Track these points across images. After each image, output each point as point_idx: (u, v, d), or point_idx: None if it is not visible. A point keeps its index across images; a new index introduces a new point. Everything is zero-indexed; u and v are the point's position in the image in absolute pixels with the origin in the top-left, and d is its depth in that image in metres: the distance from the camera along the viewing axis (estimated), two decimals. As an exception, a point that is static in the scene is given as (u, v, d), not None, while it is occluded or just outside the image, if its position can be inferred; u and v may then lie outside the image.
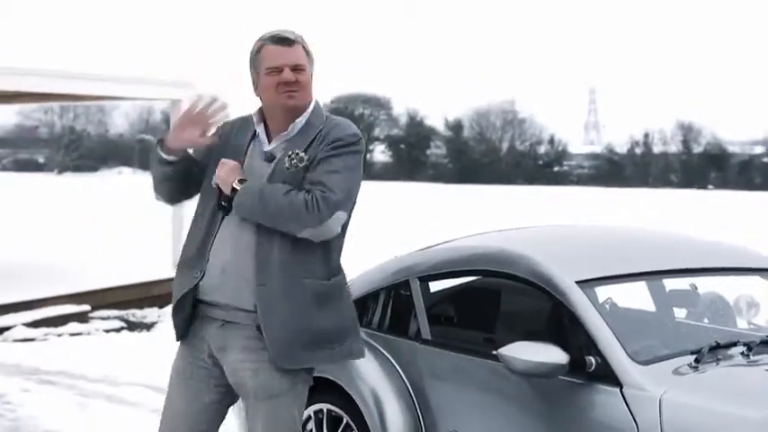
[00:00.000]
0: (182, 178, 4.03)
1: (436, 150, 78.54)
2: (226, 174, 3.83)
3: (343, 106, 78.08)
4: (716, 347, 4.11)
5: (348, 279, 5.53)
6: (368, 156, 79.71)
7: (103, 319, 12.23)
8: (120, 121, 79.73)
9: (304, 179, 3.79)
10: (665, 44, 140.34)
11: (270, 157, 3.90)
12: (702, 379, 3.93)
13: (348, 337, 3.96)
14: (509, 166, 74.31)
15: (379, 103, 79.51)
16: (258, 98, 4.00)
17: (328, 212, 3.72)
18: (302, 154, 3.82)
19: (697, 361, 4.01)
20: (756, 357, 4.12)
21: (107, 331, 11.53)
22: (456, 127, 76.99)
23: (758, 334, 4.62)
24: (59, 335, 11.17)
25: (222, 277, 3.82)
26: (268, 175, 3.85)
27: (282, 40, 3.90)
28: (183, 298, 3.90)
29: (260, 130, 3.97)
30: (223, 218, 3.86)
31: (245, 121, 4.06)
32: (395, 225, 25.79)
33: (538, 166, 76.21)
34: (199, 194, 4.05)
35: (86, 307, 12.25)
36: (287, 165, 3.81)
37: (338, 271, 3.96)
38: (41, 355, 9.69)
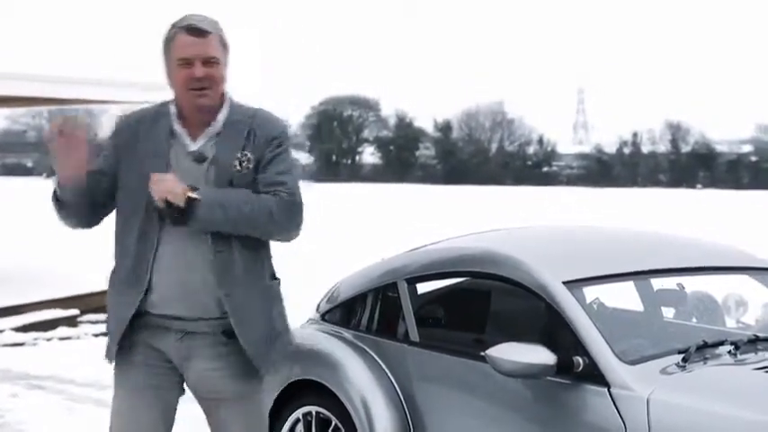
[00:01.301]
0: (92, 195, 3.76)
1: (425, 151, 78.62)
2: (170, 186, 3.54)
3: (332, 108, 78.12)
4: (703, 347, 4.12)
5: (336, 281, 5.56)
6: (357, 157, 79.97)
7: (92, 323, 12.18)
8: (108, 125, 79.45)
9: (254, 181, 3.68)
10: (653, 44, 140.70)
11: (200, 158, 3.70)
12: (690, 378, 3.93)
13: (289, 331, 3.95)
14: (498, 167, 74.41)
15: (368, 105, 79.51)
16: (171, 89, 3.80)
17: (300, 214, 3.72)
18: (249, 155, 3.68)
19: (684, 360, 4.01)
20: (743, 356, 4.13)
21: (96, 335, 11.48)
22: (445, 128, 77.09)
23: (746, 333, 4.62)
24: (48, 339, 11.14)
25: (179, 289, 3.68)
26: (208, 177, 3.67)
27: (195, 30, 3.65)
28: (130, 316, 3.73)
29: (178, 127, 3.74)
30: (161, 229, 3.66)
31: (151, 115, 3.80)
32: (383, 226, 25.78)
33: (527, 166, 76.33)
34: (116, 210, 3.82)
35: (75, 311, 12.22)
36: (238, 167, 3.67)
37: (274, 270, 3.93)
38: (30, 360, 9.67)
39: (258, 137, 3.73)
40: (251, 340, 3.73)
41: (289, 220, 3.69)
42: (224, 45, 3.73)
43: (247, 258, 3.72)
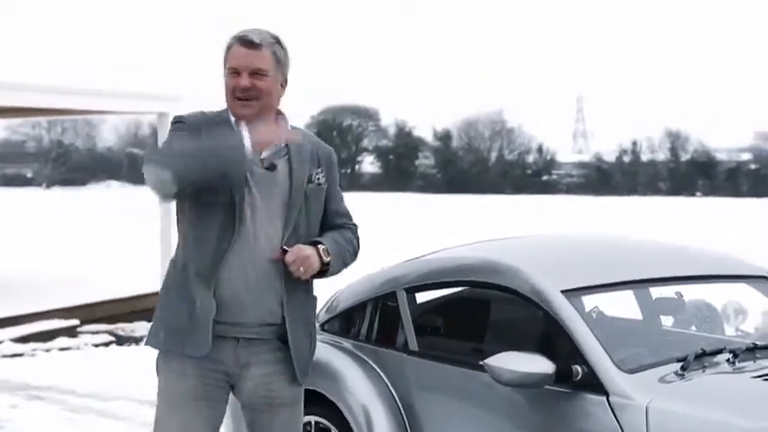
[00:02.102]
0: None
1: (425, 161, 78.58)
2: (312, 260, 3.68)
3: (332, 117, 78.12)
4: (702, 355, 4.12)
5: (336, 290, 5.57)
6: (356, 167, 80.00)
7: (92, 333, 12.20)
8: (108, 135, 79.54)
9: (326, 202, 3.89)
10: (652, 52, 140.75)
11: (272, 166, 3.75)
12: (688, 387, 3.94)
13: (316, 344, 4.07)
14: (497, 176, 74.38)
15: (368, 114, 79.51)
16: None
17: (359, 240, 4.02)
18: (323, 173, 3.86)
19: (683, 369, 4.02)
20: (742, 364, 4.14)
21: (96, 346, 11.51)
22: (444, 137, 77.06)
23: (744, 341, 4.63)
24: (48, 350, 11.15)
25: (249, 295, 3.71)
26: (282, 188, 3.74)
27: (247, 42, 3.72)
28: (209, 320, 3.68)
29: (245, 133, 3.70)
30: (234, 234, 3.67)
31: (214, 120, 3.78)
32: (383, 236, 25.79)
33: (526, 175, 76.28)
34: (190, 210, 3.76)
35: (75, 321, 12.25)
36: (318, 181, 3.83)
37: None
38: (30, 371, 9.68)
39: (321, 157, 3.88)
40: (300, 348, 3.82)
41: (359, 248, 4.01)
42: (278, 60, 3.76)
43: None
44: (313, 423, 4.99)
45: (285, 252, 3.68)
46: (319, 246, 3.74)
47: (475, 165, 76.31)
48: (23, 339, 11.33)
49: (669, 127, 73.66)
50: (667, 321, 5.27)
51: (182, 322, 3.72)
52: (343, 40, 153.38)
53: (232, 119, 3.77)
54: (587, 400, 4.00)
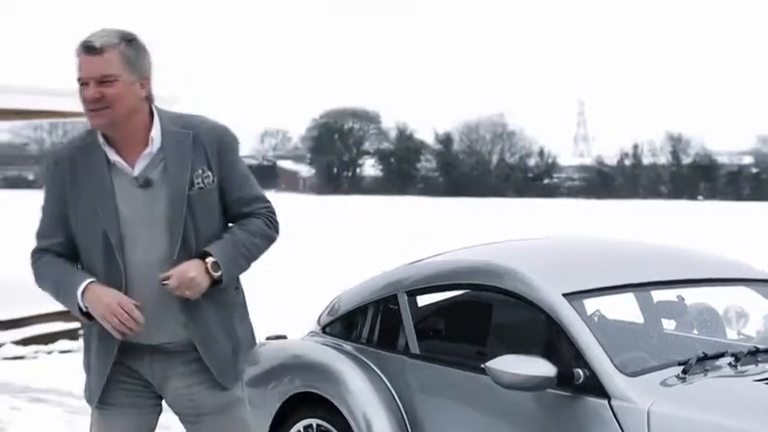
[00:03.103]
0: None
1: (426, 164, 78.73)
2: (198, 280, 3.45)
3: (333, 121, 78.21)
4: (703, 358, 4.12)
5: (337, 294, 5.57)
6: (357, 170, 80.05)
7: (93, 336, 12.18)
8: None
9: (224, 194, 3.60)
10: (653, 56, 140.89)
11: (147, 182, 3.52)
12: (690, 390, 3.94)
13: (254, 338, 3.86)
14: (499, 179, 74.50)
15: (369, 117, 79.63)
16: None
17: (276, 221, 3.71)
18: (208, 170, 3.55)
19: (685, 372, 4.01)
20: (744, 368, 4.13)
21: (97, 348, 11.48)
22: (446, 140, 77.19)
23: (746, 344, 4.62)
24: (49, 352, 11.14)
25: (153, 323, 3.49)
26: (159, 202, 3.50)
27: (89, 48, 3.42)
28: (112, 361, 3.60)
29: (113, 156, 3.53)
30: (121, 274, 3.50)
31: (80, 149, 3.59)
32: (384, 239, 25.78)
33: (527, 178, 76.41)
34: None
35: (76, 324, 12.18)
36: (200, 185, 3.53)
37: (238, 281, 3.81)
38: (31, 373, 9.67)
39: (208, 147, 3.58)
40: (215, 357, 3.63)
41: (277, 231, 3.70)
42: (128, 60, 3.45)
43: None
44: (314, 426, 4.99)
45: (168, 278, 3.47)
46: (207, 259, 3.48)
47: (476, 168, 76.43)
48: (25, 342, 11.31)
49: (670, 130, 73.97)
50: (669, 325, 5.27)
51: (89, 362, 3.71)
52: (345, 43, 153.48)
53: (100, 139, 3.53)
54: (589, 404, 3.99)
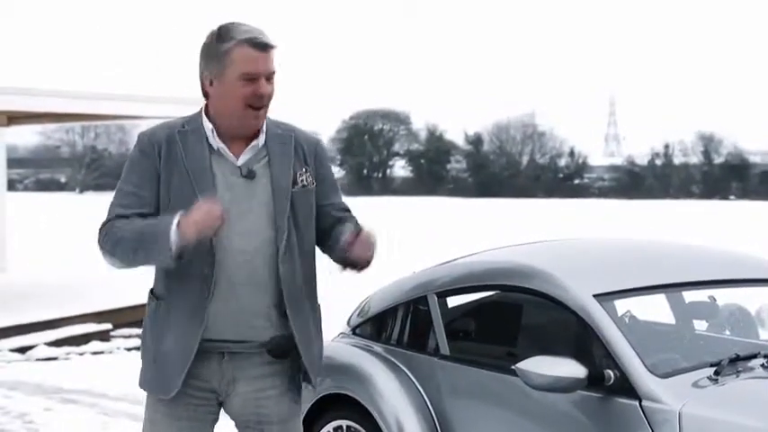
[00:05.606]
0: None
1: (456, 165, 78.50)
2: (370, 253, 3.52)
3: (363, 122, 78.23)
4: (736, 359, 4.10)
5: (367, 295, 5.57)
6: (388, 171, 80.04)
7: (125, 337, 12.26)
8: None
9: (317, 198, 3.66)
10: (684, 55, 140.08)
11: (249, 173, 3.55)
12: (722, 391, 3.91)
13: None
14: (529, 180, 74.21)
15: (398, 118, 79.54)
16: (205, 96, 3.60)
17: None
18: (310, 172, 3.63)
19: (717, 373, 3.99)
20: (777, 369, 4.10)
21: (129, 349, 11.56)
22: (476, 141, 76.95)
23: (779, 345, 4.59)
24: (81, 353, 11.23)
25: (235, 315, 3.51)
26: (264, 196, 3.52)
27: (261, 45, 3.48)
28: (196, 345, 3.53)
29: (217, 142, 3.55)
30: (218, 245, 3.47)
31: (180, 132, 3.58)
32: (414, 240, 25.78)
33: (558, 179, 76.07)
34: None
35: (108, 325, 12.30)
36: (303, 183, 3.58)
37: None
38: (64, 374, 9.74)
39: (307, 152, 3.66)
40: (311, 357, 3.66)
41: None
42: None
43: (308, 280, 3.65)
44: (345, 427, 4.99)
45: (357, 235, 3.50)
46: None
47: (506, 168, 76.18)
48: (57, 343, 11.40)
49: (702, 129, 73.30)
50: (700, 326, 5.24)
51: (149, 362, 3.69)
52: (375, 44, 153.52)
53: (208, 126, 3.56)
54: (619, 405, 3.97)
